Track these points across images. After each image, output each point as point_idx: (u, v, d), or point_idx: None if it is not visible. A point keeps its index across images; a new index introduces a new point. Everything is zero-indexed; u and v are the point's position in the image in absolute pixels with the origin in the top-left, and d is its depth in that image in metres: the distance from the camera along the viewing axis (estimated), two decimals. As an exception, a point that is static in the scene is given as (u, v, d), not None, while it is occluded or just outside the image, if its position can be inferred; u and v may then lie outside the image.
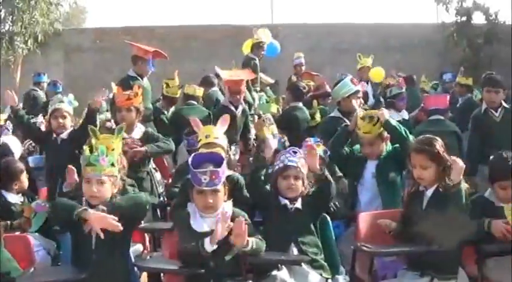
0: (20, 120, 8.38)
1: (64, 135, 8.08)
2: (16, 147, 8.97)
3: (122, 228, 5.14)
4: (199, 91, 11.17)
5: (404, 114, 11.28)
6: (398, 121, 7.51)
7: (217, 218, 5.17)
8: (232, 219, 5.29)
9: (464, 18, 20.55)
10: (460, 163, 5.46)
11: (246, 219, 5.40)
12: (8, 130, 10.39)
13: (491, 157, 6.09)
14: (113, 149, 5.42)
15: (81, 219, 5.17)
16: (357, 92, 8.46)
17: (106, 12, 52.77)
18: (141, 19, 49.53)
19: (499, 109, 8.82)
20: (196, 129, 6.75)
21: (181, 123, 9.82)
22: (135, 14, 48.42)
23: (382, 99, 11.95)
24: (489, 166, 6.04)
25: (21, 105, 10.14)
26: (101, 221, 5.14)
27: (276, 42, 14.17)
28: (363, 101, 8.53)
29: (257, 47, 12.76)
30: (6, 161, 7.38)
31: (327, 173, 6.01)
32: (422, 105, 10.77)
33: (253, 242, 5.27)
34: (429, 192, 5.64)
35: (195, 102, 10.85)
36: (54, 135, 8.14)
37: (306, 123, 10.46)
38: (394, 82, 12.52)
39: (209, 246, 5.11)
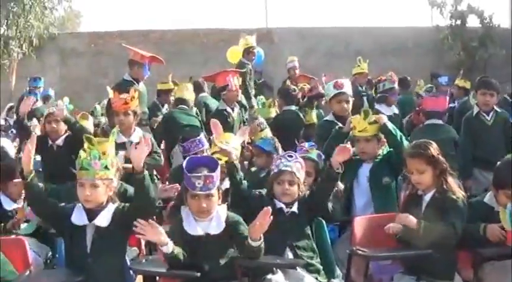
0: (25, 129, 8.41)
1: (59, 141, 8.12)
2: (11, 148, 9.01)
3: None
4: (191, 95, 11.13)
5: (395, 109, 11.21)
6: (389, 116, 7.48)
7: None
8: (227, 224, 5.35)
9: (458, 22, 20.62)
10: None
11: (241, 223, 5.43)
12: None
13: (498, 163, 5.90)
14: (106, 153, 5.39)
15: None
16: (339, 94, 8.19)
17: (101, 16, 52.80)
18: (135, 23, 49.67)
19: (491, 113, 8.78)
20: (215, 132, 6.73)
21: (173, 127, 9.85)
22: (130, 18, 48.50)
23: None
24: (495, 172, 5.82)
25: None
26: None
27: (260, 50, 14.18)
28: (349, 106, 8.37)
29: (247, 52, 12.79)
30: (6, 162, 7.40)
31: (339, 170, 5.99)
32: (417, 107, 10.70)
33: (263, 241, 5.23)
34: (427, 197, 5.65)
35: (187, 107, 10.76)
36: (50, 142, 8.16)
37: (301, 125, 10.47)
38: (386, 77, 12.35)
39: (165, 248, 5.14)
